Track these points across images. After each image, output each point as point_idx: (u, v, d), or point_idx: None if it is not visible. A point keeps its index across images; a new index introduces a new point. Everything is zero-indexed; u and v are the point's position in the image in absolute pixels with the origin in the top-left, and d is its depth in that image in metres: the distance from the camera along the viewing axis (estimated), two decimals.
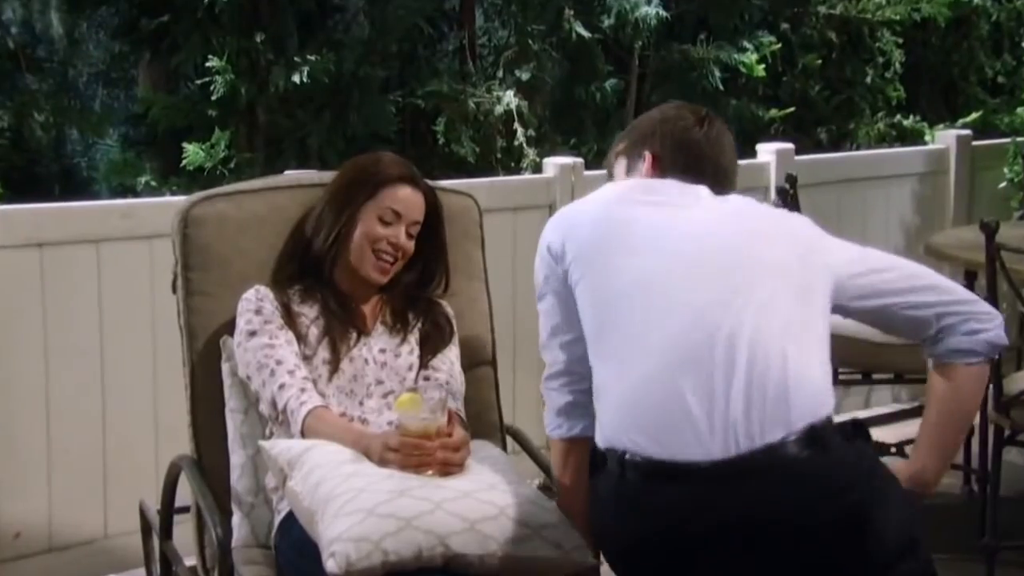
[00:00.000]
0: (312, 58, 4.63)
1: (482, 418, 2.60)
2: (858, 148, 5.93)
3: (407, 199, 2.41)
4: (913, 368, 3.39)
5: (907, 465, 1.99)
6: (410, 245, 2.43)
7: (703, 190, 2.10)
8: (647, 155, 2.14)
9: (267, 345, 2.32)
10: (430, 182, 2.76)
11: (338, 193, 2.42)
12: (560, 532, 2.06)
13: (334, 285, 2.43)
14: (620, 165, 2.20)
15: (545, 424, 2.16)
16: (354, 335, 2.39)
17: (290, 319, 2.36)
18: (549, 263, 2.10)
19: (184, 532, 2.53)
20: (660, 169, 2.13)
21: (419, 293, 2.51)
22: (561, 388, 2.12)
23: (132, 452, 3.18)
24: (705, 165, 2.12)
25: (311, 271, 2.42)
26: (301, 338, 2.36)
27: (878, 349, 3.26)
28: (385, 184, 2.40)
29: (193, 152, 4.61)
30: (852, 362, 3.55)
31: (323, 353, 2.36)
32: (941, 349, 1.97)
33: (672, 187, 2.10)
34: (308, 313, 2.39)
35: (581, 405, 2.08)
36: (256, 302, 2.36)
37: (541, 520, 2.06)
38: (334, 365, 2.35)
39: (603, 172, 4.30)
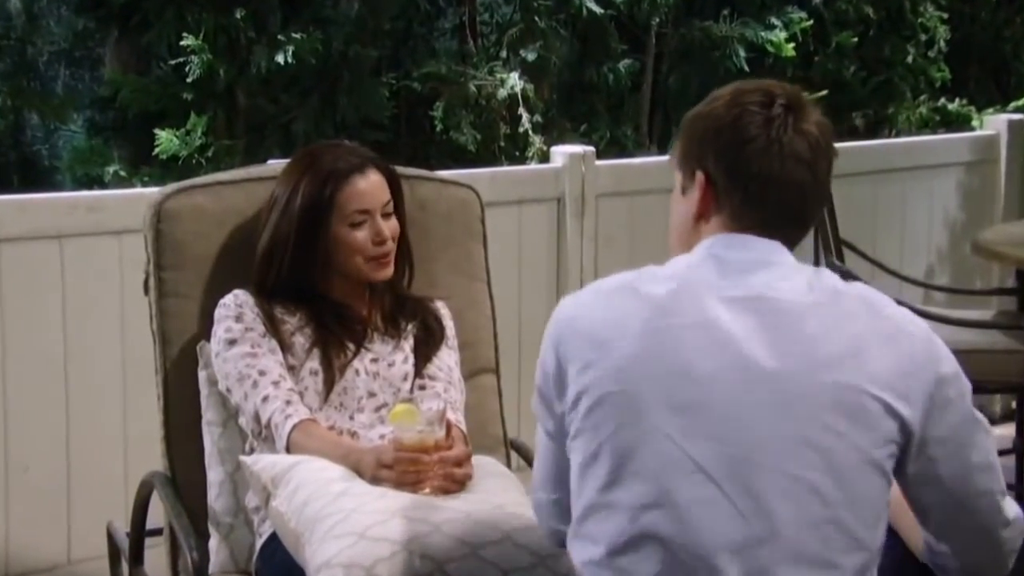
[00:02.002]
0: (297, 36, 4.64)
1: (484, 430, 2.61)
2: (898, 135, 5.94)
3: (366, 191, 2.38)
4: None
5: None
6: (394, 226, 2.42)
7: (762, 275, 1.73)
8: (699, 176, 1.77)
9: (248, 354, 2.33)
10: (426, 173, 2.78)
11: (300, 220, 2.37)
12: (569, 563, 2.07)
13: (322, 293, 2.43)
14: (676, 179, 1.84)
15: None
16: (351, 348, 2.40)
17: (273, 326, 2.37)
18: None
19: (156, 557, 2.53)
20: (715, 199, 1.77)
21: (401, 286, 2.51)
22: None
23: (99, 469, 3.19)
24: (769, 195, 1.74)
25: (294, 282, 2.42)
26: (286, 347, 2.37)
27: None
28: (337, 188, 2.36)
29: (166, 139, 4.62)
30: None
31: (311, 363, 2.37)
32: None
33: (710, 269, 1.73)
34: (292, 320, 2.40)
35: None
36: (235, 308, 2.37)
37: (549, 549, 2.06)
38: (327, 380, 2.36)
39: (615, 162, 4.34)
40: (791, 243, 1.78)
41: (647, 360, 1.67)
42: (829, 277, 1.76)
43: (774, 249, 1.75)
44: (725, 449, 1.64)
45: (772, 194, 1.74)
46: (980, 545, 1.81)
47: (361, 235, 2.38)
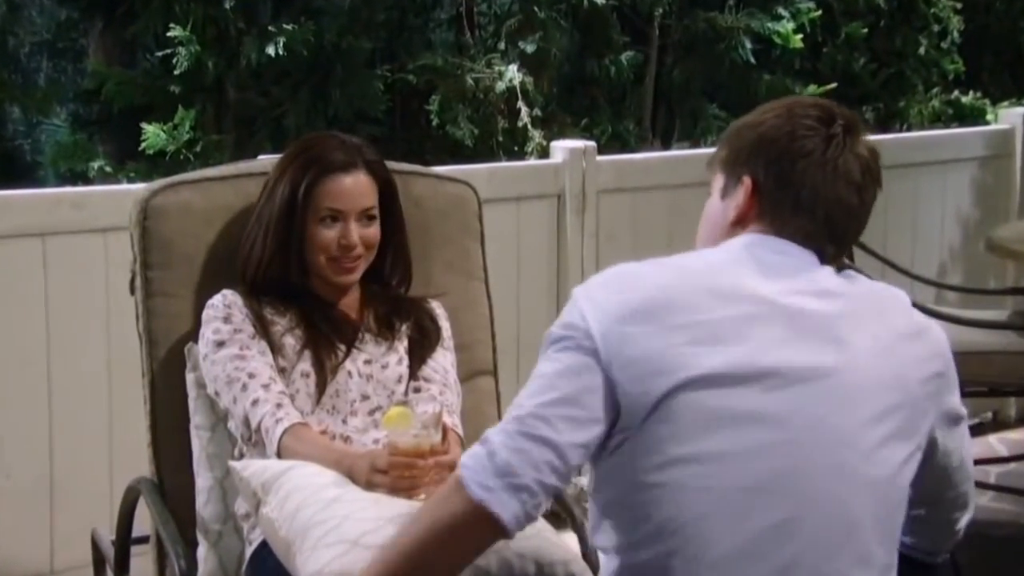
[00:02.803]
0: (288, 27, 4.64)
1: (481, 434, 2.60)
2: (909, 129, 5.94)
3: (344, 191, 2.38)
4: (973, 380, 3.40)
5: None
6: (370, 233, 2.41)
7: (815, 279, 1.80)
8: (746, 181, 1.83)
9: (238, 356, 2.33)
10: (422, 168, 2.77)
11: (279, 208, 2.38)
12: (569, 570, 2.07)
13: (312, 292, 2.44)
14: (717, 181, 1.89)
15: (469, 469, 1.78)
16: (342, 349, 2.40)
17: (263, 327, 2.37)
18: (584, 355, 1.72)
19: (143, 565, 2.54)
20: (759, 204, 1.83)
21: (398, 290, 2.52)
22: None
23: (83, 474, 3.19)
24: (816, 210, 1.80)
25: (282, 279, 2.43)
26: (276, 348, 2.37)
27: None
28: (316, 182, 2.36)
29: (153, 134, 4.62)
30: None
31: (302, 365, 2.37)
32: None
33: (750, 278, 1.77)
34: (283, 321, 2.40)
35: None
36: (224, 309, 2.37)
37: (549, 556, 2.07)
38: (319, 383, 2.36)
39: (617, 157, 4.34)
40: (825, 259, 1.83)
41: (721, 340, 1.70)
42: (858, 277, 1.84)
43: (810, 257, 1.81)
44: (785, 436, 1.69)
45: (819, 209, 1.80)
46: (946, 534, 1.97)
47: (329, 234, 2.38)
